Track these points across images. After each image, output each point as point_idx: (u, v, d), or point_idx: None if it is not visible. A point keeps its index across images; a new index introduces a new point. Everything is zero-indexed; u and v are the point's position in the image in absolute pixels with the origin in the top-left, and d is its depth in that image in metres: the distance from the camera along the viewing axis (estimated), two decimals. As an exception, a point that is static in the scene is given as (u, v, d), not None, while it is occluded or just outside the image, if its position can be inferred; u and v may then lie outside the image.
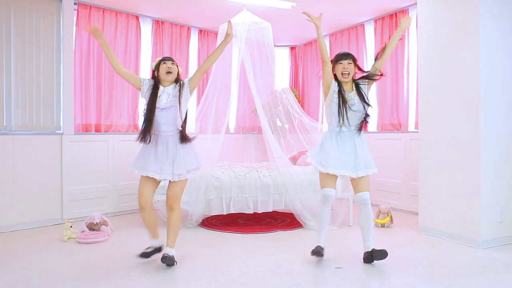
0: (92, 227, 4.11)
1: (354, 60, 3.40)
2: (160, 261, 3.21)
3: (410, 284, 2.82)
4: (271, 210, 4.51)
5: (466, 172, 3.77)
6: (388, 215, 4.47)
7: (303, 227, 4.44)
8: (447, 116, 3.95)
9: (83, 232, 4.02)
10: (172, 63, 3.39)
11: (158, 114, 3.32)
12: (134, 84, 3.42)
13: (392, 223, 4.50)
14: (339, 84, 3.39)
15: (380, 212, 4.52)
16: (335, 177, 3.40)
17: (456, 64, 3.87)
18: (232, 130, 6.37)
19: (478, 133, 3.67)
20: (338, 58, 3.39)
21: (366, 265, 3.33)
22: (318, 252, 3.30)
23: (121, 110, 5.42)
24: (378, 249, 3.25)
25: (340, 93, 3.35)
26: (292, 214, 4.66)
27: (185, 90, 3.42)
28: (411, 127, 5.39)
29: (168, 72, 3.35)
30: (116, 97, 5.37)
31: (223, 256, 3.47)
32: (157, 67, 3.40)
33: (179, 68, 3.47)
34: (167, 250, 3.26)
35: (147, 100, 3.37)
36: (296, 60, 7.43)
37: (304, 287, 2.79)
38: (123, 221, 4.81)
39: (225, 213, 4.41)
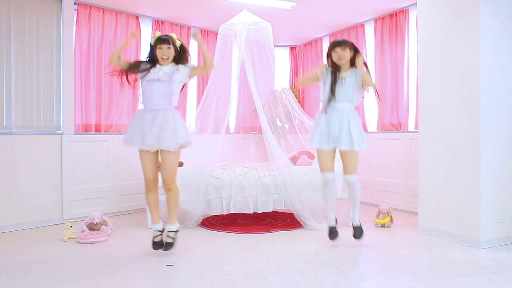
0: (92, 227, 4.10)
1: (350, 45, 3.62)
2: (163, 251, 3.41)
3: (410, 284, 2.82)
4: (271, 210, 4.51)
5: (466, 172, 3.77)
6: (388, 215, 4.47)
7: (303, 227, 4.44)
8: (447, 116, 3.95)
9: (83, 232, 4.02)
10: (168, 47, 3.36)
11: (151, 86, 3.34)
12: (130, 67, 3.44)
13: (392, 223, 4.50)
14: (334, 67, 3.62)
15: (380, 212, 4.52)
16: (332, 158, 3.67)
17: (456, 64, 3.87)
18: (232, 130, 6.37)
19: (478, 133, 3.67)
20: (333, 46, 3.61)
21: (366, 265, 3.34)
22: (333, 233, 3.74)
23: (121, 110, 5.42)
24: (356, 226, 3.75)
25: (334, 73, 3.60)
26: (292, 214, 4.66)
27: (183, 73, 3.43)
28: (411, 127, 5.39)
29: (163, 59, 3.38)
30: (116, 97, 5.36)
31: (223, 256, 3.47)
32: (154, 46, 3.39)
33: (179, 43, 3.45)
34: (169, 227, 3.43)
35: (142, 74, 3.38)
36: (296, 60, 7.43)
37: (304, 287, 2.79)
38: (123, 221, 4.81)
39: (225, 213, 4.41)
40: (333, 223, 3.78)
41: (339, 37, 6.44)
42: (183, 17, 5.80)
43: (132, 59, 3.53)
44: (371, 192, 5.76)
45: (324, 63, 3.71)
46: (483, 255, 3.47)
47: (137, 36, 3.47)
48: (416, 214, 4.58)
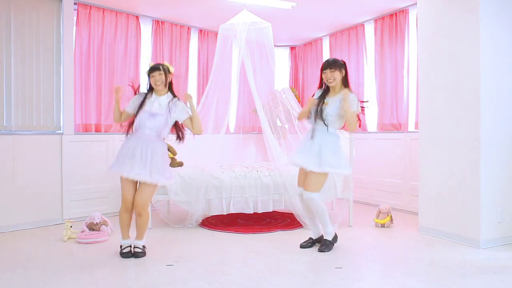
0: (92, 227, 4.11)
1: (340, 66, 3.63)
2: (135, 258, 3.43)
3: (410, 284, 2.82)
4: (271, 210, 4.51)
5: (466, 172, 3.77)
6: (388, 215, 4.47)
7: (303, 227, 4.43)
8: (447, 116, 3.95)
9: (83, 232, 4.02)
10: (160, 74, 3.45)
11: (146, 118, 3.41)
12: (131, 114, 3.57)
13: (392, 223, 4.50)
14: (326, 89, 3.71)
15: (380, 212, 4.52)
16: (305, 173, 3.68)
17: (456, 64, 3.87)
18: (232, 130, 6.36)
19: (478, 133, 3.67)
20: (323, 68, 3.66)
21: (366, 265, 3.34)
22: (305, 242, 3.75)
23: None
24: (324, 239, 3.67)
25: (322, 96, 3.66)
26: (292, 214, 4.66)
27: (180, 113, 3.50)
28: (411, 127, 5.39)
29: (157, 85, 3.46)
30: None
31: (223, 256, 3.47)
32: (149, 75, 3.50)
33: (171, 70, 3.53)
34: (137, 243, 3.49)
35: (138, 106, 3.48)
36: (296, 60, 7.43)
37: (304, 287, 2.79)
38: (123, 221, 4.80)
39: (225, 213, 4.41)
40: (314, 236, 3.78)
41: (339, 37, 6.44)
42: (183, 17, 5.80)
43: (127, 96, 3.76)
44: (371, 192, 5.76)
45: (312, 97, 3.73)
46: (483, 255, 3.47)
47: (121, 90, 3.55)
48: (416, 214, 4.58)
